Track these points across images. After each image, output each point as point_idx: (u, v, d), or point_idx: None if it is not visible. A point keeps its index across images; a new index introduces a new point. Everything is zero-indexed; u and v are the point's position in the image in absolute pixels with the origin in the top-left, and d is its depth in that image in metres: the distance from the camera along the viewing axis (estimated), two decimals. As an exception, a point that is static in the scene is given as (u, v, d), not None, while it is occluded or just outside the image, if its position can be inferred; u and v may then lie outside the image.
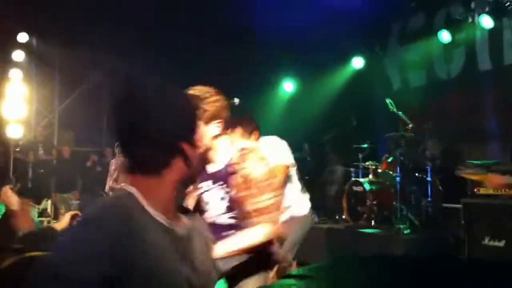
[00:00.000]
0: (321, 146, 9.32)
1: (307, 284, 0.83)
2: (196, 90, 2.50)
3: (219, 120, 2.49)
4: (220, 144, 2.51)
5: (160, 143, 1.30)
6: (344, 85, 10.61)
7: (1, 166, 11.01)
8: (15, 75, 11.31)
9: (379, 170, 7.74)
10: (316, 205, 8.38)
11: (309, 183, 8.90)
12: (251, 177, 2.35)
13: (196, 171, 1.74)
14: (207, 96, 2.49)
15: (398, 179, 6.97)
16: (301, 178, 5.18)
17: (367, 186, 7.35)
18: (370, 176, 7.78)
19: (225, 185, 2.46)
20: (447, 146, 8.21)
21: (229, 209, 2.45)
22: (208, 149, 2.48)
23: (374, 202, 7.24)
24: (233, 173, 2.41)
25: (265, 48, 10.57)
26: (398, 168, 7.01)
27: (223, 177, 2.47)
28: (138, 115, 1.31)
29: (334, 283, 0.85)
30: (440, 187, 7.25)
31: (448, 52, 9.04)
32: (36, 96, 12.31)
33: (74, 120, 12.57)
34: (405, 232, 6.54)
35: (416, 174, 7.37)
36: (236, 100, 5.44)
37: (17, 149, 11.12)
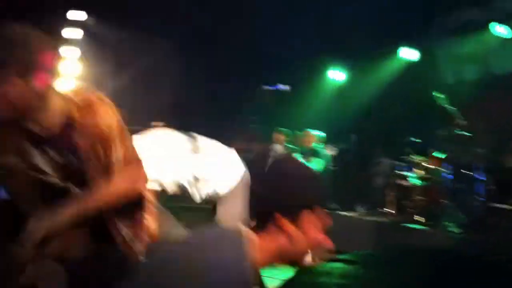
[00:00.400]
0: (369, 137, 9.18)
1: (356, 269, 0.81)
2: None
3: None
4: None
5: None
6: (394, 76, 10.41)
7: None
8: (71, 53, 11.59)
9: (427, 165, 7.57)
10: (361, 197, 8.36)
11: (355, 174, 8.83)
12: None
13: None
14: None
15: (446, 175, 6.79)
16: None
17: (414, 181, 7.21)
18: (418, 171, 7.61)
19: None
20: (500, 144, 7.94)
21: None
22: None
23: (421, 198, 7.10)
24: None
25: (315, 36, 10.47)
26: (447, 164, 6.83)
27: None
28: None
29: (380, 269, 0.82)
30: (491, 186, 7.02)
31: (504, 47, 8.71)
32: (89, 75, 12.60)
33: (124, 100, 12.82)
34: (452, 229, 6.38)
35: (466, 171, 7.16)
36: (284, 87, 5.43)
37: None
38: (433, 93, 7.15)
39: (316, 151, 8.76)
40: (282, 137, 9.49)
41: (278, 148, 8.85)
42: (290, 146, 9.26)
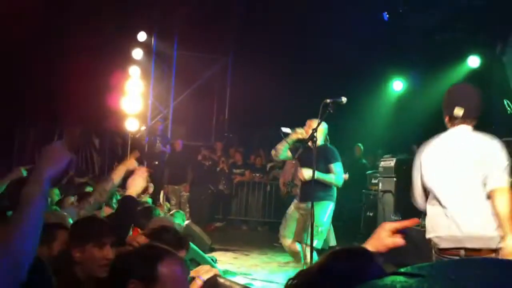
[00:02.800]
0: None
1: (419, 282, 0.85)
2: None
3: None
4: None
5: None
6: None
7: (119, 155, 11.81)
8: (134, 72, 12.07)
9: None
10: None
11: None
12: None
13: None
14: None
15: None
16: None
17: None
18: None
19: None
20: None
21: None
22: None
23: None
24: None
25: (376, 47, 10.42)
26: None
27: None
28: None
29: (446, 282, 0.85)
30: None
31: None
32: (152, 92, 13.05)
33: (186, 116, 13.18)
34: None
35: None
36: (343, 99, 5.44)
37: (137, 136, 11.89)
38: (504, 101, 6.94)
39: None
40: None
41: None
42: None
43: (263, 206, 12.08)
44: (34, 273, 1.70)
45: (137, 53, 12.30)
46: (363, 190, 9.49)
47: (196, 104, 13.06)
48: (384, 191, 8.69)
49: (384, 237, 1.91)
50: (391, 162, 8.68)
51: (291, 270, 7.29)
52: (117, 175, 3.91)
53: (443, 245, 3.20)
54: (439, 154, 3.39)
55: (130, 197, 3.50)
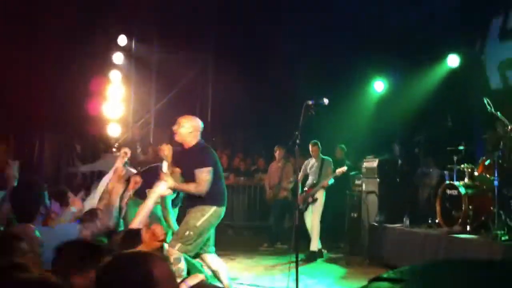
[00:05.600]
0: (413, 147, 9.06)
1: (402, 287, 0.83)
2: None
3: None
4: None
5: None
6: (438, 84, 10.23)
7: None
8: (115, 76, 11.95)
9: (476, 173, 7.39)
10: (407, 208, 8.22)
11: (400, 185, 8.70)
12: None
13: None
14: None
15: (496, 183, 6.61)
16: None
17: (462, 190, 7.04)
18: (466, 180, 7.43)
19: None
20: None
21: None
22: None
23: (470, 207, 6.92)
24: None
25: (356, 48, 10.46)
26: (496, 172, 6.65)
27: None
28: None
29: (429, 287, 0.84)
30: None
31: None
32: (134, 96, 12.94)
33: (169, 120, 13.10)
34: (503, 238, 6.19)
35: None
36: (325, 100, 5.46)
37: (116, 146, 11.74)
38: (484, 99, 6.99)
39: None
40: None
41: None
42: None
43: (248, 210, 12.04)
44: None
45: (118, 57, 12.18)
46: (347, 191, 9.51)
47: (178, 108, 12.96)
48: (368, 192, 8.72)
49: None
50: (374, 163, 8.71)
51: (277, 274, 7.28)
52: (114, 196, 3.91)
53: None
54: None
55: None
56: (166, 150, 5.28)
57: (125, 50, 12.43)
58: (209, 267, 5.41)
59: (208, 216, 5.14)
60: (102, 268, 1.61)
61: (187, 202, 5.42)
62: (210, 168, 5.12)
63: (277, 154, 10.16)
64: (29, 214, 3.73)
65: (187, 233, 5.02)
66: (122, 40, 12.20)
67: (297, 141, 5.48)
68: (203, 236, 5.16)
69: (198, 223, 5.08)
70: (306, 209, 8.84)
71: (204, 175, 5.07)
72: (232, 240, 10.43)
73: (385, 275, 0.88)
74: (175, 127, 5.27)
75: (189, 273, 4.61)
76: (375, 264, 7.79)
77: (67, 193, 5.15)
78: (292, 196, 9.83)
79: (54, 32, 10.38)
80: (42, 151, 11.36)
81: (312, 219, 8.75)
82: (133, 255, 1.75)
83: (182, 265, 4.82)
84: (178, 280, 3.02)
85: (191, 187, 5.11)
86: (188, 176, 5.19)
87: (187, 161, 5.23)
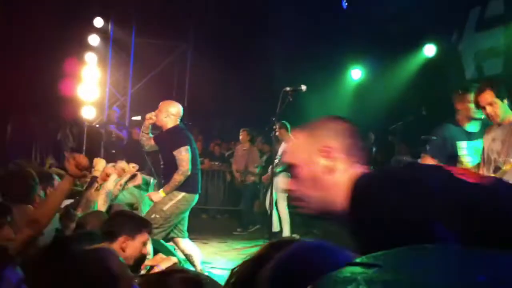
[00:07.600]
0: (388, 135, 9.13)
1: (378, 273, 0.82)
2: None
3: None
4: None
5: None
6: (414, 73, 10.32)
7: (75, 146, 11.53)
8: (91, 58, 11.76)
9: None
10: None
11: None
12: None
13: None
14: None
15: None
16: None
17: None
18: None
19: None
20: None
21: None
22: None
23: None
24: None
25: (334, 35, 10.46)
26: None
27: None
28: None
29: (405, 272, 0.83)
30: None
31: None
32: (110, 79, 12.76)
33: (145, 103, 12.97)
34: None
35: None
36: (303, 87, 5.45)
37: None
38: (459, 90, 7.05)
39: None
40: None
41: None
42: None
43: (223, 195, 12.04)
44: None
45: (94, 39, 11.98)
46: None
47: (154, 92, 12.82)
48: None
49: None
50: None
51: (251, 258, 7.29)
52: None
53: None
54: None
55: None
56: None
57: (101, 32, 12.22)
58: (182, 252, 5.41)
59: (175, 201, 5.15)
60: (59, 267, 1.60)
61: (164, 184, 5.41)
62: (186, 147, 5.14)
63: (241, 137, 10.06)
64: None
65: (153, 215, 5.03)
66: (98, 22, 12.00)
67: (274, 127, 5.47)
68: (170, 220, 5.16)
69: (165, 207, 5.10)
70: (267, 190, 8.68)
71: (183, 154, 5.10)
72: (206, 224, 10.44)
73: (358, 260, 0.87)
74: (156, 111, 5.34)
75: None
76: (350, 250, 7.84)
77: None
78: (260, 181, 9.80)
79: (28, 13, 10.16)
80: (16, 134, 11.18)
81: (280, 207, 8.67)
82: (91, 252, 1.77)
83: (149, 248, 4.82)
84: (146, 263, 3.02)
85: (176, 178, 5.11)
86: (167, 159, 5.20)
87: (163, 143, 5.25)
